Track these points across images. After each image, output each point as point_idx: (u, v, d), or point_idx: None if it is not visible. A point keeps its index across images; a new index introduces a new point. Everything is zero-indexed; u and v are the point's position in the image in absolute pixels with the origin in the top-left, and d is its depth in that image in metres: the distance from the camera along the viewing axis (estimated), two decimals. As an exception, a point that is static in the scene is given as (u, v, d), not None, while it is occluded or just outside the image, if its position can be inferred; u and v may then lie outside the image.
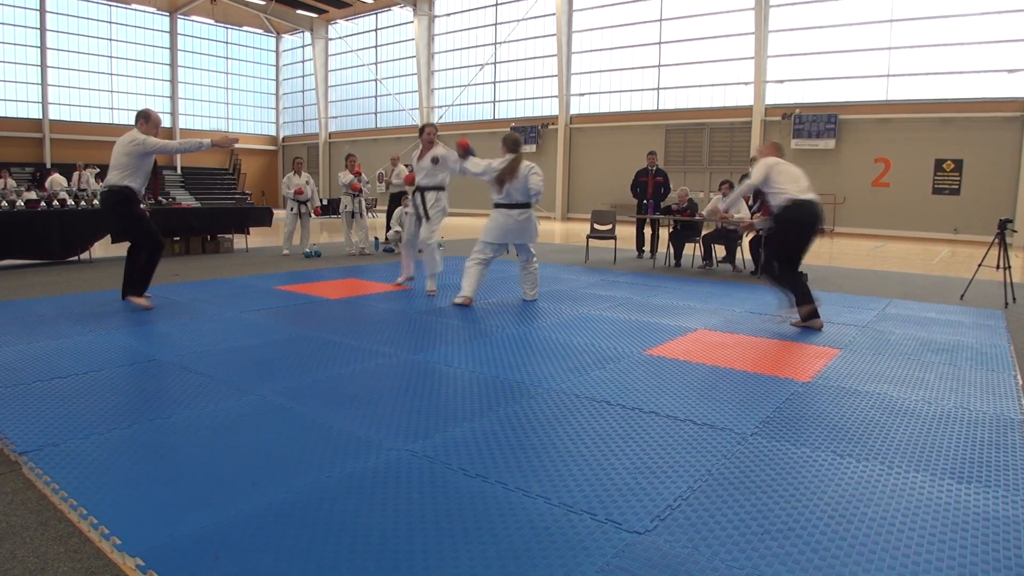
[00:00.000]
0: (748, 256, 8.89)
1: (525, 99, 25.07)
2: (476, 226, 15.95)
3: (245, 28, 31.99)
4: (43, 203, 9.17)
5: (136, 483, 2.24)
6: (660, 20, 21.24)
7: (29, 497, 2.19)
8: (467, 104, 26.80)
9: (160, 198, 14.20)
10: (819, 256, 11.50)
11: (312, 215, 10.16)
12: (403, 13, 27.98)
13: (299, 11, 30.09)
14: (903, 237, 16.89)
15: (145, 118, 5.45)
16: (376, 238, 11.04)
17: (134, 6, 27.88)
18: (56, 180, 15.61)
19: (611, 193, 20.81)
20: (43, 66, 25.49)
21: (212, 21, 30.42)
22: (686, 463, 2.47)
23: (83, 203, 9.80)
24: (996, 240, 6.82)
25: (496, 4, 25.25)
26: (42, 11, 25.21)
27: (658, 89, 21.60)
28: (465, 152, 5.90)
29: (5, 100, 24.75)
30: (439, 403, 3.13)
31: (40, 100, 25.55)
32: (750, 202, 8.32)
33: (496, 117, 25.85)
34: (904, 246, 14.66)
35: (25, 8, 24.89)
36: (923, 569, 1.80)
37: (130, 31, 28.15)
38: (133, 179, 5.38)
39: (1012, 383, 3.69)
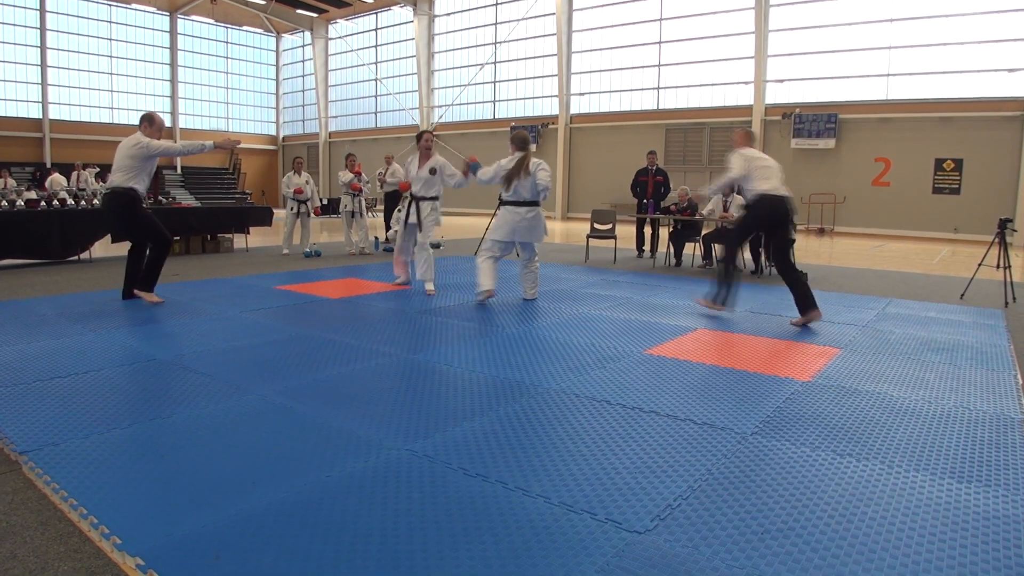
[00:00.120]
0: (748, 256, 8.89)
1: (525, 99, 25.07)
2: (475, 225, 15.98)
3: (245, 28, 31.99)
4: (43, 203, 9.17)
5: (136, 483, 2.24)
6: (660, 19, 21.24)
7: (29, 497, 2.19)
8: (467, 104, 26.80)
9: (160, 198, 14.19)
10: (819, 255, 11.50)
11: (312, 215, 10.16)
12: (403, 13, 27.98)
13: (299, 11, 30.09)
14: (903, 236, 16.89)
15: (149, 121, 5.50)
16: (376, 238, 11.04)
17: (134, 6, 27.89)
18: (56, 180, 15.61)
19: (611, 193, 20.81)
20: (43, 66, 25.50)
21: (212, 21, 30.43)
22: (686, 463, 2.47)
23: (83, 203, 9.80)
24: (996, 239, 6.81)
25: (496, 4, 25.25)
26: (42, 10, 25.22)
27: (658, 89, 21.60)
28: (471, 168, 5.94)
29: (5, 100, 24.77)
30: (439, 402, 3.13)
31: (40, 100, 25.56)
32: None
33: (496, 117, 25.85)
34: (904, 245, 14.66)
35: (25, 8, 24.90)
36: (923, 568, 1.80)
37: (130, 31, 28.16)
38: (137, 181, 5.43)
39: (1012, 382, 3.69)
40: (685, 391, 3.37)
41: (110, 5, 27.31)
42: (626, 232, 11.02)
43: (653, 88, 21.68)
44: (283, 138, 34.36)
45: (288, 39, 33.46)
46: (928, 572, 1.79)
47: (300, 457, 2.46)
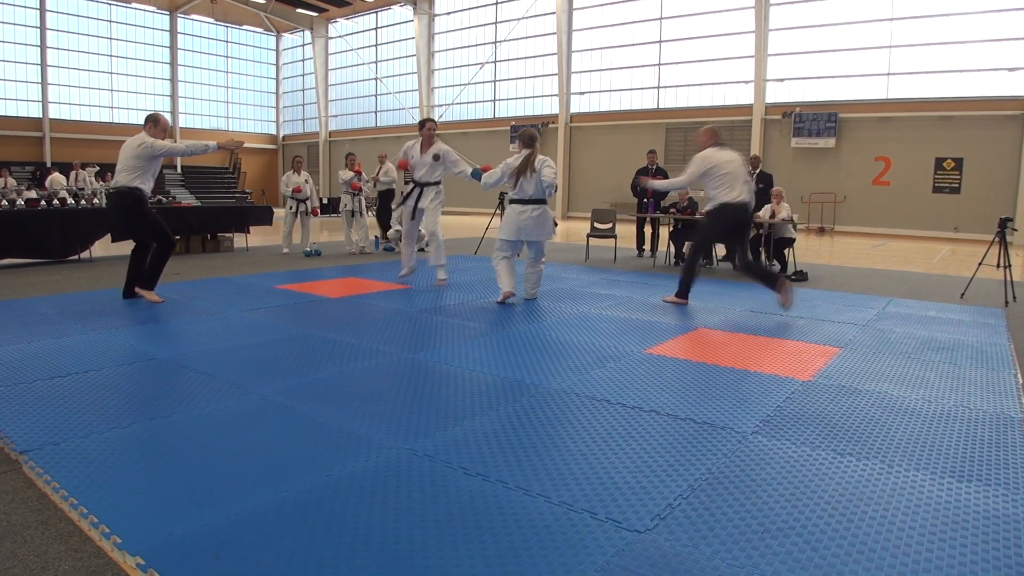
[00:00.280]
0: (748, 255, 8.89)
1: (525, 98, 25.05)
2: (475, 225, 15.96)
3: (245, 27, 31.97)
4: (43, 202, 9.17)
5: (137, 482, 2.24)
6: (660, 19, 21.23)
7: (30, 496, 2.19)
8: (467, 103, 26.79)
9: (160, 197, 14.19)
10: (819, 255, 11.50)
11: (311, 215, 10.15)
12: (403, 12, 27.96)
13: (299, 10, 30.07)
14: (903, 236, 16.89)
15: (154, 122, 5.54)
16: (376, 237, 11.04)
17: (134, 5, 27.87)
18: (56, 179, 15.62)
19: (611, 192, 20.80)
20: (43, 65, 25.48)
21: (212, 20, 30.40)
22: (686, 462, 2.47)
23: (83, 202, 9.80)
24: (996, 239, 6.81)
25: (496, 3, 25.23)
26: (42, 10, 25.19)
27: (658, 88, 21.58)
28: (473, 174, 6.01)
29: (5, 99, 24.74)
30: (439, 402, 3.13)
31: (40, 99, 25.54)
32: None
33: (496, 116, 25.84)
34: (904, 244, 14.66)
35: (25, 7, 24.88)
36: (923, 568, 1.80)
37: (130, 30, 28.14)
38: (142, 180, 5.46)
39: (1012, 381, 3.69)
40: (685, 390, 3.37)
41: (110, 4, 27.29)
42: (626, 231, 11.02)
43: (653, 87, 21.67)
44: (283, 137, 34.34)
45: (288, 38, 33.44)
46: (928, 571, 1.79)
47: (300, 456, 2.46)
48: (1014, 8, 15.68)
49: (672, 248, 9.41)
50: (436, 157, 6.40)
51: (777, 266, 8.54)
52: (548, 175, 5.56)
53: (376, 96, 30.30)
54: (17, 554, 1.85)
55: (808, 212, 17.97)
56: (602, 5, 22.31)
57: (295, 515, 2.02)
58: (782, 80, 19.03)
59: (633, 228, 10.91)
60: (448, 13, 26.94)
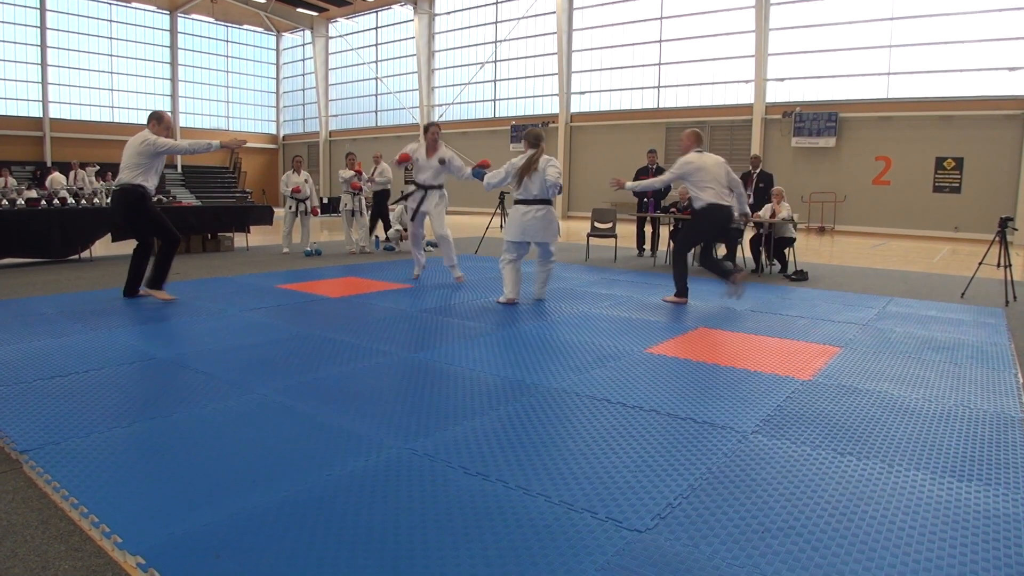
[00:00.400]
0: (748, 254, 8.89)
1: (525, 97, 25.05)
2: (474, 224, 15.96)
3: (245, 26, 31.97)
4: (44, 201, 9.17)
5: (137, 481, 2.24)
6: (660, 18, 21.21)
7: (30, 496, 2.19)
8: (467, 102, 26.79)
9: (160, 196, 14.19)
10: (820, 254, 11.49)
11: (311, 215, 10.14)
12: (403, 11, 27.95)
13: (299, 9, 30.06)
14: (904, 235, 16.88)
15: (158, 119, 5.55)
16: (376, 236, 11.03)
17: (134, 4, 27.87)
18: (56, 179, 15.62)
19: (612, 191, 20.75)
20: (43, 64, 25.48)
21: (212, 19, 30.40)
22: (686, 461, 2.47)
23: (83, 202, 9.80)
24: (997, 238, 6.81)
25: (496, 2, 25.22)
26: (42, 9, 25.19)
27: (658, 87, 21.57)
28: (474, 173, 6.04)
29: (5, 99, 24.74)
30: (439, 401, 3.13)
31: (40, 99, 25.54)
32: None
33: (496, 115, 25.83)
34: (905, 244, 14.65)
35: (26, 7, 24.88)
36: (923, 567, 1.80)
37: (130, 29, 28.14)
38: (145, 178, 5.47)
39: (1012, 381, 3.69)
40: (685, 390, 3.37)
41: (110, 4, 27.28)
42: (626, 231, 11.02)
43: (653, 87, 21.66)
44: (283, 137, 34.34)
45: (288, 38, 33.43)
46: (928, 571, 1.79)
47: (300, 456, 2.46)
48: (1014, 8, 15.67)
49: (672, 247, 9.41)
50: (442, 161, 6.57)
51: (777, 266, 8.55)
52: (552, 174, 5.48)
53: (376, 96, 30.29)
54: (17, 553, 1.85)
55: (808, 212, 17.97)
56: (602, 5, 22.30)
57: (295, 515, 2.02)
58: (782, 80, 19.02)
59: (633, 228, 10.91)
60: (448, 13, 26.93)
